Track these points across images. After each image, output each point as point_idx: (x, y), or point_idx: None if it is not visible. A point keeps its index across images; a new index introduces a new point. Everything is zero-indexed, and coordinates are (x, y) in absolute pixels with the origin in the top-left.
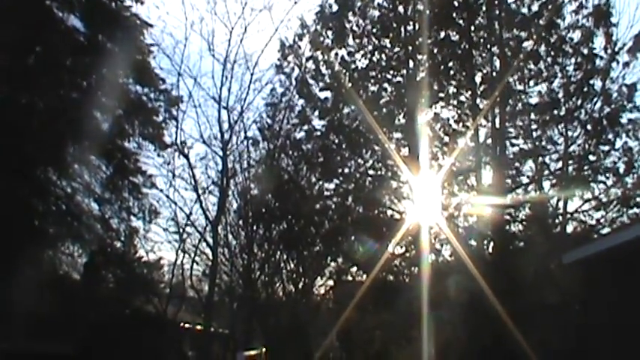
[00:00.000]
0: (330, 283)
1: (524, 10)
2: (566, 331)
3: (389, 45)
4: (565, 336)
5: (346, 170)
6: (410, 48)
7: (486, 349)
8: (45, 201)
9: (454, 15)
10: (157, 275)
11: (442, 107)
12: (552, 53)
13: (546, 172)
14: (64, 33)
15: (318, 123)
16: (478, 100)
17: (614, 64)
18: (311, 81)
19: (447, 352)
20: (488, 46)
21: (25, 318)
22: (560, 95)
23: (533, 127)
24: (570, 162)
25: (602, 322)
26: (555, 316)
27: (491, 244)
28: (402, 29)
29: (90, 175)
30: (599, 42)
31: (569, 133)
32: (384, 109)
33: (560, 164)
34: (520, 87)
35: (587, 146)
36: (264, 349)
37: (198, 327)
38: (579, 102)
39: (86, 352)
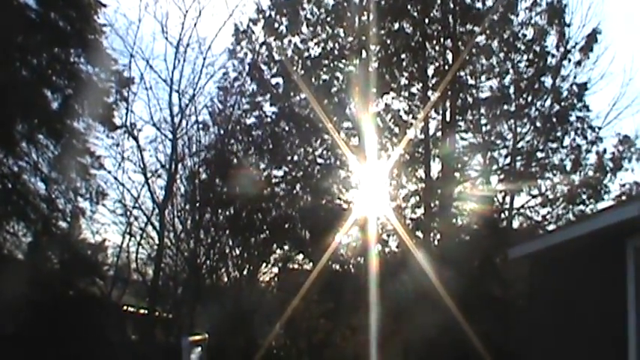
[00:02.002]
0: (276, 270)
1: (479, 5)
2: (510, 325)
3: (342, 34)
4: (509, 329)
5: (295, 158)
6: (363, 38)
7: (431, 340)
8: None
9: (408, 7)
10: (101, 257)
11: (393, 98)
12: (505, 49)
13: (494, 167)
14: (15, 9)
15: (269, 109)
16: (429, 93)
17: (565, 63)
18: (263, 67)
19: (392, 343)
20: (442, 39)
21: None
22: (511, 91)
23: (483, 121)
24: (518, 158)
25: (545, 318)
26: (499, 309)
27: (438, 236)
28: (356, 19)
29: (38, 155)
30: (551, 40)
31: (519, 129)
32: (335, 98)
33: (508, 159)
34: (472, 81)
35: (535, 143)
36: (207, 335)
37: (142, 311)
38: (530, 98)
39: (27, 333)
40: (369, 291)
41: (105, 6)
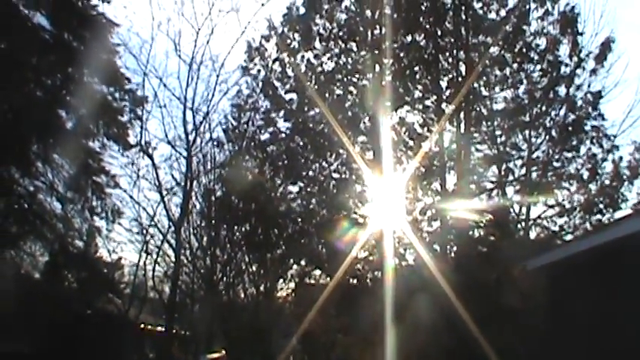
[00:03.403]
0: (292, 285)
1: (491, 16)
2: (530, 337)
3: (355, 48)
4: (528, 341)
5: (310, 173)
6: (376, 52)
7: (450, 353)
8: (7, 200)
9: (421, 19)
10: (118, 276)
11: (407, 111)
12: (518, 59)
13: (510, 178)
14: (29, 31)
15: (283, 125)
16: (443, 105)
17: (579, 71)
18: (277, 83)
19: (410, 357)
20: (455, 51)
21: None
22: (526, 101)
23: (498, 132)
24: (534, 168)
25: (564, 328)
26: (518, 321)
27: (455, 248)
28: (369, 33)
29: (53, 174)
30: (564, 49)
31: (534, 140)
32: (350, 113)
33: (524, 170)
34: (485, 92)
35: (551, 152)
36: (225, 352)
37: (160, 328)
38: (544, 108)
39: (46, 352)
40: (386, 305)
41: (118, 25)
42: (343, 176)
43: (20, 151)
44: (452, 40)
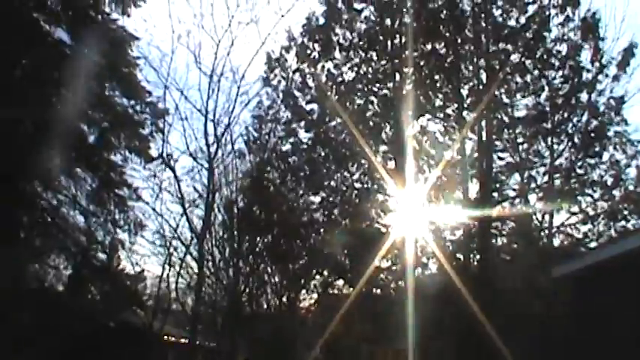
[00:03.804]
0: (315, 296)
1: (511, 23)
2: (554, 345)
3: (375, 58)
4: (552, 350)
5: (332, 183)
6: (396, 61)
7: None
8: (31, 213)
9: (441, 27)
10: (141, 288)
11: (428, 120)
12: (539, 66)
13: (533, 186)
14: (50, 45)
15: (304, 136)
16: (465, 113)
17: (601, 77)
18: (297, 93)
19: None
20: (475, 58)
21: (8, 330)
22: (547, 108)
23: (520, 140)
24: (557, 175)
25: (589, 336)
26: (542, 329)
27: (478, 257)
28: (389, 42)
29: (76, 188)
30: (585, 55)
31: (556, 147)
32: (371, 122)
33: (546, 177)
34: (507, 100)
35: (574, 159)
36: None
37: (183, 340)
38: (566, 115)
39: None
40: (409, 314)
41: (138, 39)
42: (365, 186)
43: (43, 165)
44: (472, 47)
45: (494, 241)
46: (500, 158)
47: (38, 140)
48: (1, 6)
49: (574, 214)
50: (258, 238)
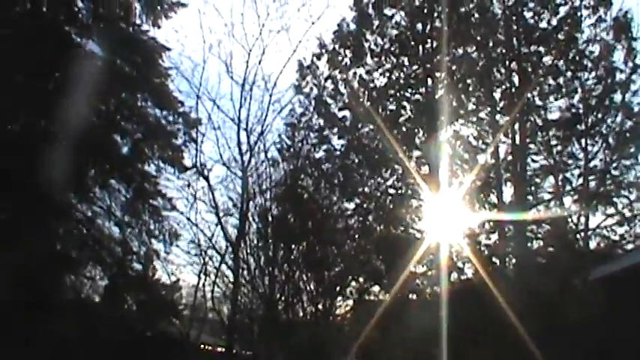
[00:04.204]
0: (351, 302)
1: (543, 25)
2: (592, 349)
3: (407, 63)
4: (589, 353)
5: (366, 189)
6: (428, 66)
7: None
8: (66, 225)
9: (472, 31)
10: (176, 297)
11: (461, 124)
12: (572, 68)
13: (568, 188)
14: (82, 58)
15: (337, 142)
16: (498, 117)
17: (635, 77)
18: (330, 100)
19: None
20: (507, 61)
21: (46, 342)
22: (581, 110)
23: (554, 142)
24: (592, 177)
25: (628, 339)
26: (580, 333)
27: (513, 261)
28: (421, 47)
29: (110, 199)
30: (618, 55)
31: (590, 148)
32: (404, 128)
33: (581, 180)
34: (540, 102)
35: (608, 160)
36: None
37: (220, 349)
38: (600, 116)
39: None
40: (445, 319)
41: (169, 49)
42: (399, 191)
43: (77, 177)
44: (504, 50)
45: (529, 244)
46: (534, 161)
47: (72, 152)
48: (33, 20)
49: (610, 216)
50: (293, 246)
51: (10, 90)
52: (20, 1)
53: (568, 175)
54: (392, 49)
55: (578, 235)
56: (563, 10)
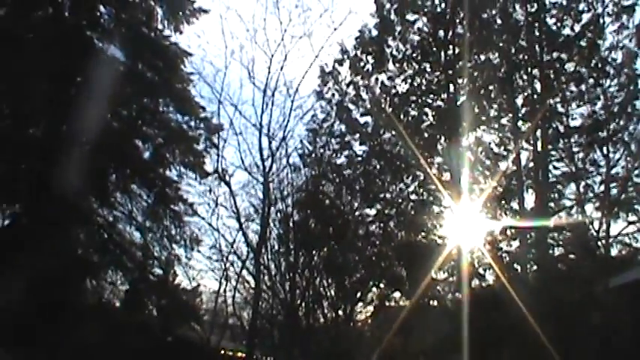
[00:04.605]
0: (372, 308)
1: (565, 32)
2: (612, 356)
3: (429, 69)
4: None
5: (388, 195)
6: (450, 72)
7: None
8: (87, 230)
9: (494, 37)
10: (197, 302)
11: (483, 131)
12: (594, 75)
13: (589, 195)
14: (104, 63)
15: (359, 148)
16: (519, 123)
17: None
18: (351, 106)
19: None
20: (529, 68)
21: (67, 346)
22: (603, 117)
23: (576, 149)
24: (614, 184)
25: None
26: (602, 340)
27: (535, 268)
28: (442, 53)
29: (132, 204)
30: None
31: (612, 155)
32: (425, 134)
33: (603, 187)
34: (562, 109)
35: (630, 167)
36: None
37: (241, 354)
38: (622, 123)
39: None
40: (466, 325)
41: (191, 55)
42: (420, 198)
43: (99, 181)
44: (526, 57)
45: (551, 251)
46: (556, 168)
47: (93, 157)
48: (56, 25)
49: (631, 223)
50: (314, 252)
51: (32, 94)
52: (42, 6)
53: (590, 182)
54: (414, 55)
55: (599, 242)
56: (585, 17)
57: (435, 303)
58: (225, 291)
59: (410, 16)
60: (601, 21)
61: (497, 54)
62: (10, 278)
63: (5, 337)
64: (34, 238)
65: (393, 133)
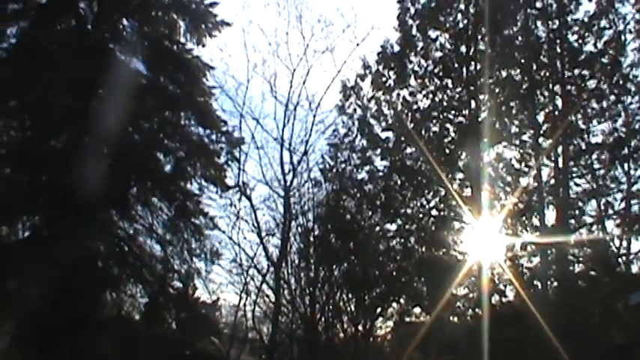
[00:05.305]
0: (391, 324)
1: (587, 49)
2: None
3: (451, 85)
4: None
5: (408, 211)
6: (472, 88)
7: None
8: (108, 242)
9: (516, 54)
10: (216, 316)
11: (504, 147)
12: (615, 91)
13: (610, 212)
14: (126, 75)
15: (380, 163)
16: (541, 140)
17: None
18: (373, 121)
19: None
20: (551, 84)
21: (87, 358)
22: (624, 134)
23: (597, 166)
24: (635, 201)
25: None
26: (623, 358)
27: (555, 284)
28: (464, 69)
29: (152, 217)
30: None
31: (633, 172)
32: (446, 150)
33: (624, 204)
34: (583, 126)
35: None
36: None
37: None
38: None
39: None
40: (487, 342)
41: (213, 68)
42: (441, 213)
43: (120, 194)
44: (548, 73)
45: (571, 267)
46: (577, 184)
47: (114, 169)
48: (79, 37)
49: None
50: (334, 267)
51: (53, 106)
52: (65, 18)
53: (610, 199)
54: (435, 70)
55: (620, 259)
56: (607, 34)
57: (455, 319)
58: (245, 305)
59: (432, 32)
60: (622, 38)
61: (518, 70)
62: (29, 290)
63: (26, 349)
64: (54, 249)
65: (415, 148)
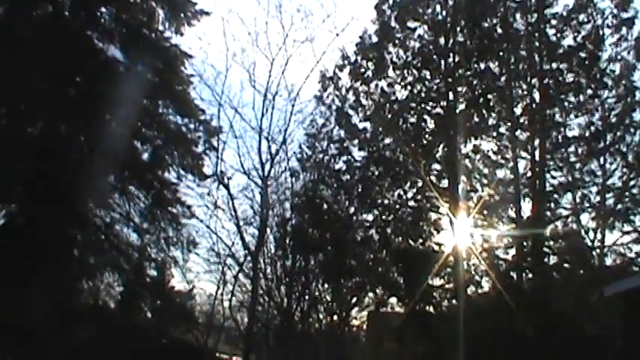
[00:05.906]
0: (366, 313)
1: (565, 43)
2: None
3: (429, 76)
4: None
5: (385, 201)
6: (450, 79)
7: None
8: (84, 231)
9: (494, 46)
10: (192, 305)
11: (482, 139)
12: (593, 85)
13: (586, 205)
14: (104, 63)
15: (357, 154)
16: (518, 132)
17: None
18: (351, 112)
19: None
20: (529, 77)
21: (63, 346)
22: (601, 127)
23: (573, 159)
24: (610, 194)
25: None
26: (596, 349)
27: (530, 276)
28: (442, 61)
29: (129, 205)
30: (639, 75)
31: (609, 166)
32: (424, 141)
33: (599, 197)
34: (560, 119)
35: (626, 178)
36: None
37: (236, 358)
38: (620, 134)
39: None
40: (462, 332)
41: (192, 57)
42: (418, 204)
43: (96, 182)
44: (526, 66)
45: (546, 259)
46: (553, 177)
47: (91, 158)
48: (55, 24)
49: (627, 233)
50: (310, 256)
51: (30, 93)
52: (42, 4)
53: (586, 191)
54: (414, 62)
55: (594, 252)
56: (586, 29)
57: (431, 309)
58: (222, 294)
59: (410, 24)
60: (601, 33)
61: (496, 63)
62: (4, 279)
63: (3, 337)
64: (30, 238)
65: (392, 139)
